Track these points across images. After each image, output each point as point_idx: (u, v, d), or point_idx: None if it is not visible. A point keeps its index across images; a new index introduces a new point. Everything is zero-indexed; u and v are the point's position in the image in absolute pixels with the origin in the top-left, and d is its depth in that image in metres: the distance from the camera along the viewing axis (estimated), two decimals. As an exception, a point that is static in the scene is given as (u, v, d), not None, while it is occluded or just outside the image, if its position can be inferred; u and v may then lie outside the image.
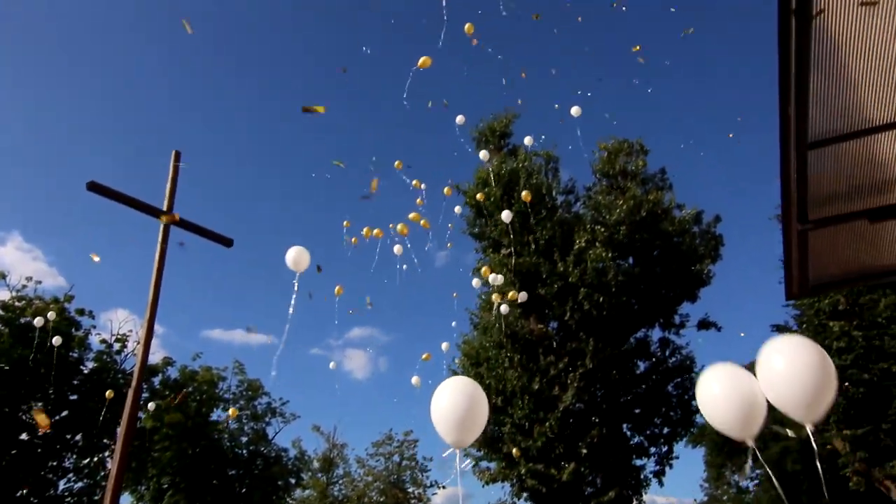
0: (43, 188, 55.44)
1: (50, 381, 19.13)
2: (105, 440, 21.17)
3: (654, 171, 19.63)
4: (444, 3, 8.53)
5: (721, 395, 3.01)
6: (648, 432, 17.74)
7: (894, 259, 5.06)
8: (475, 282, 15.71)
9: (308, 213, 61.41)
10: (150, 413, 20.63)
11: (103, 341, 22.70)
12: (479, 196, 17.07)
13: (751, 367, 3.05)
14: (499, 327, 16.62)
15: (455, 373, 17.16)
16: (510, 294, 13.05)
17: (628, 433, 17.66)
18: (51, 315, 16.00)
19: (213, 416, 24.93)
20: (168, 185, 8.17)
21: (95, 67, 56.95)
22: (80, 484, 21.18)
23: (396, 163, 11.61)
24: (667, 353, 18.29)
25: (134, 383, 7.18)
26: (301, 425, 43.38)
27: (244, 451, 25.12)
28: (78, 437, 21.01)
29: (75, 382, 21.13)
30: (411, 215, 10.69)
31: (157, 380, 23.83)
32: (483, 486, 17.10)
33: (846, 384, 16.40)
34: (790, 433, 2.98)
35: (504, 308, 13.35)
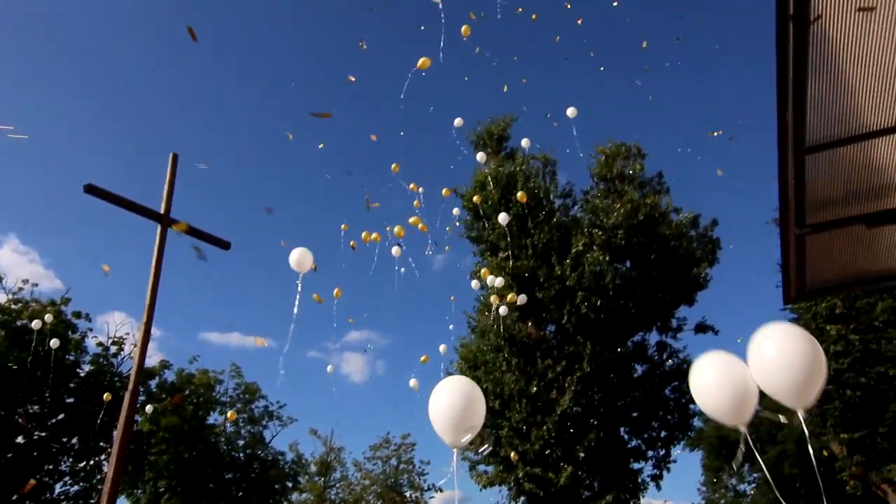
0: (40, 190, 55.36)
1: (47, 384, 19.07)
2: (101, 443, 21.09)
3: (652, 174, 19.68)
4: (441, 9, 8.53)
5: (713, 383, 3.05)
6: (646, 436, 17.74)
7: (891, 264, 5.07)
8: (475, 283, 15.71)
9: (307, 214, 61.38)
10: (146, 416, 20.59)
11: (100, 344, 22.66)
12: (475, 198, 17.08)
13: None
14: (497, 329, 16.61)
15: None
16: (509, 296, 13.05)
17: (626, 437, 17.65)
18: (48, 318, 15.96)
19: (210, 420, 24.91)
20: (166, 188, 8.16)
21: (95, 68, 56.92)
22: (76, 487, 21.08)
23: (393, 165, 11.61)
24: (664, 356, 18.30)
25: (130, 386, 7.16)
26: (298, 429, 43.36)
27: (241, 455, 25.07)
28: (74, 440, 20.94)
29: (71, 385, 21.06)
30: (411, 219, 10.68)
31: (153, 383, 23.79)
32: (480, 490, 17.07)
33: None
34: (782, 419, 3.03)
35: (503, 309, 13.35)
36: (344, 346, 56.89)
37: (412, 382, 11.69)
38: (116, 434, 7.01)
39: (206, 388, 24.79)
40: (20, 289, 21.77)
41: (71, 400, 20.97)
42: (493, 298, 13.88)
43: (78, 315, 21.95)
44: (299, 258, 7.42)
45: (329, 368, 21.36)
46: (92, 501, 20.60)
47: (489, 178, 18.06)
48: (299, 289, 7.31)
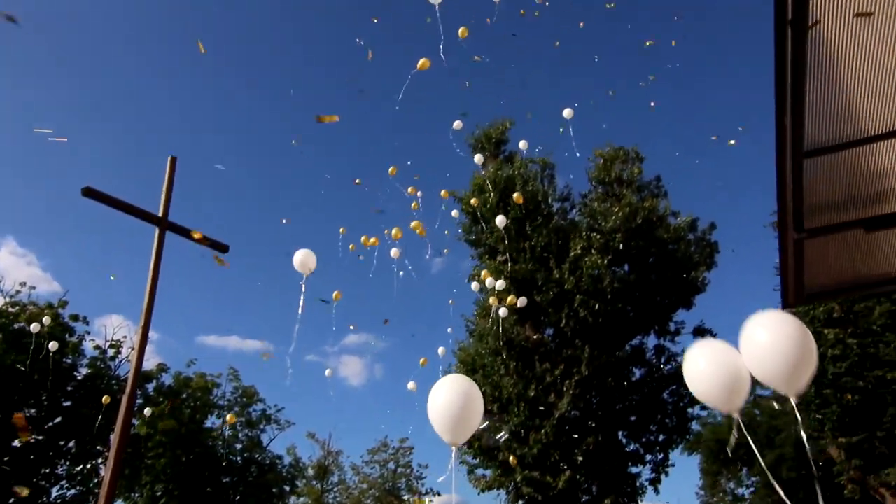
0: (38, 192, 55.26)
1: (46, 387, 19.01)
2: (98, 447, 21.02)
3: (650, 178, 19.72)
4: (438, 16, 8.52)
5: (706, 370, 3.12)
6: (644, 440, 17.73)
7: (890, 268, 5.08)
8: (474, 285, 15.72)
9: (307, 216, 61.32)
10: (144, 420, 20.51)
11: (97, 347, 22.58)
12: (473, 201, 17.07)
13: None
14: (496, 332, 16.59)
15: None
16: (509, 299, 13.04)
17: (624, 441, 17.64)
18: (46, 320, 15.91)
19: (208, 423, 24.81)
20: (164, 191, 8.15)
21: (93, 70, 56.90)
22: (73, 491, 21.00)
23: (391, 168, 11.60)
24: (662, 360, 18.29)
25: (128, 389, 7.14)
26: (296, 432, 43.39)
27: (238, 459, 24.96)
28: (71, 443, 20.87)
29: (69, 389, 20.98)
30: (412, 224, 10.69)
31: (151, 386, 23.71)
32: (479, 494, 17.05)
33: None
34: (775, 405, 3.13)
35: (503, 311, 13.33)
36: (342, 350, 56.83)
37: (411, 385, 11.70)
38: (114, 437, 6.99)
39: (204, 392, 24.70)
40: (18, 291, 21.74)
41: (68, 403, 20.90)
42: (492, 301, 13.87)
43: (76, 318, 21.89)
44: (303, 259, 7.43)
45: (327, 372, 21.28)
46: (88, 505, 20.53)
47: (487, 182, 18.07)
48: (303, 290, 7.31)
